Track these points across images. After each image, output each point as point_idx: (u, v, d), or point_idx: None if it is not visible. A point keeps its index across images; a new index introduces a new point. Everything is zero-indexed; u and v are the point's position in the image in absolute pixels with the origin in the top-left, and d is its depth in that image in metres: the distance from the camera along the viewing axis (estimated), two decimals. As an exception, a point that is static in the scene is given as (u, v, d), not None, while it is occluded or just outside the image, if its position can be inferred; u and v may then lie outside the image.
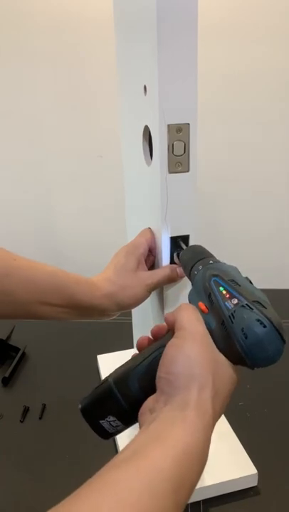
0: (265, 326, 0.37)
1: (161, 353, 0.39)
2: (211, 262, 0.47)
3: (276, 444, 0.71)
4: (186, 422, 0.34)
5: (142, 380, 0.41)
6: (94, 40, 1.10)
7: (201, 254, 0.49)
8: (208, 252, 0.51)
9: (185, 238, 0.55)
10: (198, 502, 0.62)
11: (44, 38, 1.12)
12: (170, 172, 0.51)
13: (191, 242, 0.56)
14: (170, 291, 0.59)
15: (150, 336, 0.45)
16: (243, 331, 0.37)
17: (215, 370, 0.38)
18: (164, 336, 0.43)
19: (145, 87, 0.53)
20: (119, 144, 0.70)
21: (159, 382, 0.38)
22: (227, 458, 0.65)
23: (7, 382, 0.86)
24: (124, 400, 0.42)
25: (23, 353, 0.93)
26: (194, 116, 0.49)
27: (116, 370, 0.44)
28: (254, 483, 0.64)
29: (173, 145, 0.50)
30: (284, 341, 0.37)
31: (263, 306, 0.38)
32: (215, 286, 0.41)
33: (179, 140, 0.50)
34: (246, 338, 0.37)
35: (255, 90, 1.13)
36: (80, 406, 0.44)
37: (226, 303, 0.39)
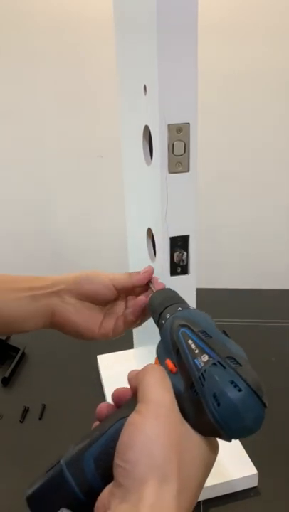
0: (240, 390, 0.31)
1: (120, 427, 0.32)
2: (179, 308, 0.41)
3: (276, 444, 0.71)
4: None
5: (99, 461, 0.34)
6: (94, 40, 1.10)
7: (171, 300, 0.44)
8: (179, 297, 0.46)
9: (185, 238, 0.55)
10: (198, 502, 0.62)
11: (44, 38, 1.12)
12: (170, 172, 0.51)
13: (192, 243, 0.56)
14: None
15: (111, 402, 0.39)
16: (214, 396, 0.31)
17: (182, 455, 0.31)
18: (127, 401, 0.37)
19: (145, 87, 0.52)
20: (119, 144, 0.70)
21: (116, 471, 0.31)
22: (227, 458, 0.65)
23: (7, 382, 0.86)
24: (79, 488, 0.34)
25: (23, 353, 0.93)
26: (194, 116, 0.49)
27: (70, 448, 0.37)
28: (254, 483, 0.64)
29: (173, 145, 0.50)
30: (264, 405, 0.31)
31: (238, 363, 0.32)
32: (183, 339, 0.35)
33: (179, 140, 0.50)
34: (219, 405, 0.31)
35: (256, 90, 1.13)
36: (27, 494, 0.36)
37: (196, 360, 0.33)
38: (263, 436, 0.72)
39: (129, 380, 0.37)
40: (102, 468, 0.34)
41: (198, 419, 0.32)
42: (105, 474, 0.33)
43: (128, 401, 0.37)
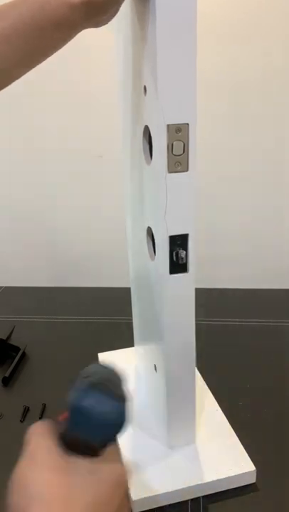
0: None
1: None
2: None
3: (274, 441, 0.71)
4: None
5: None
6: (94, 40, 1.11)
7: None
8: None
9: (184, 237, 0.56)
10: (197, 498, 0.62)
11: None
12: (169, 172, 0.52)
13: (191, 242, 0.56)
14: (170, 289, 0.59)
15: None
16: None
17: (66, 481, 0.35)
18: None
19: (145, 88, 0.53)
20: (119, 144, 0.71)
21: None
22: (225, 455, 0.66)
23: (7, 382, 0.86)
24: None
25: (23, 353, 0.94)
26: (193, 117, 0.50)
27: None
28: (252, 480, 0.64)
29: (172, 145, 0.50)
30: (116, 396, 0.39)
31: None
32: None
33: (179, 140, 0.50)
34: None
35: (255, 90, 1.14)
36: None
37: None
38: (262, 434, 0.73)
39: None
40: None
41: (76, 446, 0.39)
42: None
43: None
